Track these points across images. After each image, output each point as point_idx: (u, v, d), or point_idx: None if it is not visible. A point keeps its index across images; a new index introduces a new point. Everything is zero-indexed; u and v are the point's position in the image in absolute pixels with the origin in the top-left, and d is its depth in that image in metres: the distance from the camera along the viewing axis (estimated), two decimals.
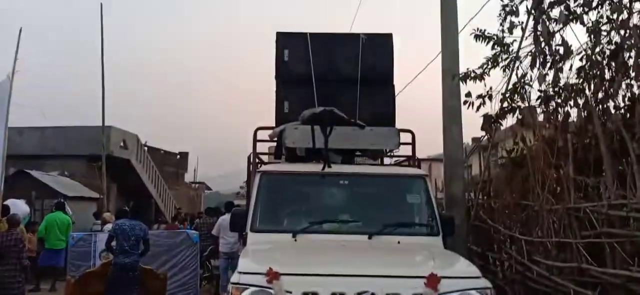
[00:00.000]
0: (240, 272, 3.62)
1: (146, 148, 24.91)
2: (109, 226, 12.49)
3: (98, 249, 9.02)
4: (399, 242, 4.65)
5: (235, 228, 5.08)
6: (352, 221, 4.91)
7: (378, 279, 3.54)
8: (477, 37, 6.21)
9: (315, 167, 5.23)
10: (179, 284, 9.28)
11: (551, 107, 5.62)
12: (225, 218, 10.90)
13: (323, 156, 5.25)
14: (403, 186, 5.23)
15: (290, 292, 3.47)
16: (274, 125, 6.26)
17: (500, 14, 6.05)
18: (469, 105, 6.01)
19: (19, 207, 9.42)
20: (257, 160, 6.39)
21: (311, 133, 5.28)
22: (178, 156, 31.38)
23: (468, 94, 6.02)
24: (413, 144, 6.06)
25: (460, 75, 6.29)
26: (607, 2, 5.07)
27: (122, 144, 21.80)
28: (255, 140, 6.69)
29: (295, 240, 4.64)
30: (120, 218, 9.04)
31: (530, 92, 5.85)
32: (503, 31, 6.06)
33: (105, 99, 15.03)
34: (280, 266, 3.57)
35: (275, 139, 5.80)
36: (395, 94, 6.19)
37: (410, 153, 6.16)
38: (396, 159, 6.37)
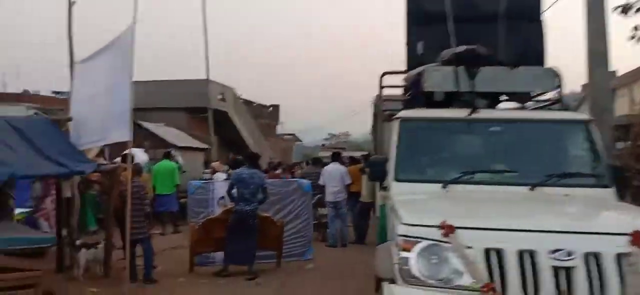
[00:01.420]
0: (407, 224, 3.33)
1: (242, 101, 25.41)
2: (219, 175, 12.90)
3: (216, 196, 9.22)
4: (566, 195, 4.15)
5: (374, 177, 4.81)
6: (507, 171, 4.45)
7: (573, 235, 3.11)
8: None
9: (459, 113, 4.79)
10: (293, 231, 9.35)
11: None
12: (329, 168, 11.22)
13: (468, 100, 4.79)
14: (565, 132, 4.68)
15: (470, 248, 3.13)
16: (406, 69, 5.85)
17: None
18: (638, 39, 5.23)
19: (139, 156, 9.81)
20: (384, 108, 6.06)
21: (454, 75, 4.82)
22: (270, 109, 31.87)
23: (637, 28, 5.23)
24: (560, 85, 5.41)
25: (622, 6, 5.49)
26: None
27: (220, 96, 22.32)
28: (381, 86, 6.34)
29: (447, 191, 4.28)
30: (237, 167, 9.14)
31: None
32: None
33: (207, 55, 15.11)
34: (453, 219, 3.24)
35: (411, 83, 5.40)
36: (545, 29, 5.51)
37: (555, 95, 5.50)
38: (539, 102, 5.74)
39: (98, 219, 11.80)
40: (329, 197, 10.94)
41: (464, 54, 4.82)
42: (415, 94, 5.21)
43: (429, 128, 4.80)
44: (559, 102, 5.28)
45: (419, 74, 5.05)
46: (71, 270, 7.91)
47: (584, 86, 6.49)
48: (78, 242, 7.74)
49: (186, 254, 9.04)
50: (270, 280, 7.89)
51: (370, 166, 4.74)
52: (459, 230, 3.17)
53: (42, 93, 27.36)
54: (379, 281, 6.74)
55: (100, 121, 7.59)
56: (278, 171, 15.36)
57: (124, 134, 7.15)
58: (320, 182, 11.10)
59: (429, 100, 5.19)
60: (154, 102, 22.01)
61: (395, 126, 4.83)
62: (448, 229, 3.15)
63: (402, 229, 3.32)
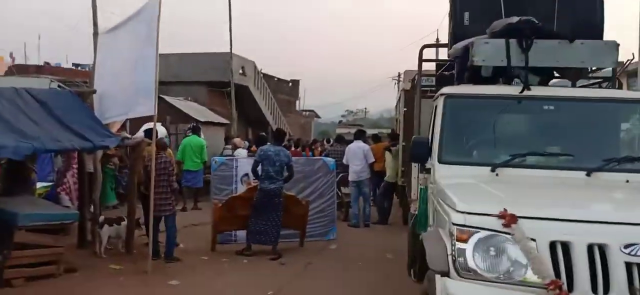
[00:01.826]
0: (462, 212, 3.03)
1: (262, 75, 25.12)
2: (240, 151, 12.72)
3: (239, 173, 9.01)
4: (627, 181, 3.81)
5: (416, 158, 4.50)
6: (563, 154, 4.11)
7: None
8: None
9: (510, 90, 4.44)
10: (317, 210, 9.11)
11: None
12: (353, 146, 10.95)
13: (521, 76, 4.43)
14: (625, 112, 4.30)
15: (533, 240, 2.83)
16: (448, 42, 5.49)
17: None
18: None
19: (159, 130, 9.56)
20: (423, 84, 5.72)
21: (506, 48, 4.45)
22: (290, 84, 31.56)
23: None
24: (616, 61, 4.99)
25: None
26: None
27: (241, 70, 22.05)
28: (420, 60, 5.99)
29: (496, 175, 3.96)
30: (262, 144, 8.90)
31: None
32: None
33: (231, 27, 14.78)
34: (514, 207, 2.94)
35: (456, 57, 5.03)
36: (603, 2, 5.07)
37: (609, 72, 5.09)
38: (590, 79, 5.33)
39: (118, 194, 11.74)
40: (351, 176, 10.70)
41: (518, 25, 4.43)
42: (462, 68, 4.85)
43: (476, 106, 4.46)
44: (612, 80, 4.88)
45: (466, 47, 4.69)
46: (93, 246, 7.80)
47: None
48: (101, 218, 7.59)
49: (208, 231, 8.88)
50: (294, 261, 7.68)
51: (413, 147, 4.42)
52: (521, 220, 2.86)
53: (63, 65, 27.36)
54: (410, 265, 6.52)
55: (124, 94, 7.40)
56: (298, 149, 15.11)
57: (148, 108, 6.95)
58: (344, 160, 10.86)
59: (476, 76, 4.83)
60: (175, 76, 21.85)
61: (439, 103, 4.49)
62: (510, 219, 2.85)
63: (457, 217, 3.03)
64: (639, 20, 6.07)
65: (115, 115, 7.81)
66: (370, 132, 15.50)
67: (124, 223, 7.72)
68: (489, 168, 4.03)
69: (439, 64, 7.84)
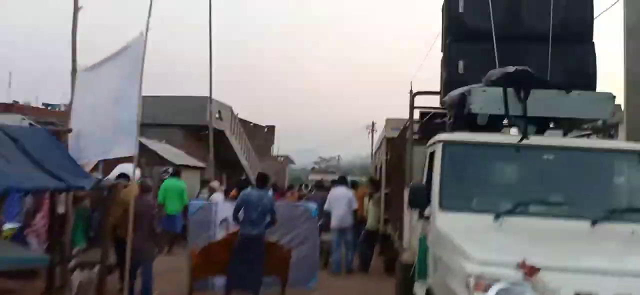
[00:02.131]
0: (480, 263, 2.88)
1: (238, 120, 24.98)
2: (217, 195, 12.37)
3: (218, 218, 8.72)
4: (633, 232, 3.75)
5: (414, 204, 4.37)
6: (564, 204, 4.05)
7: None
8: None
9: (509, 138, 4.40)
10: (298, 257, 8.78)
11: None
12: (336, 192, 10.70)
13: (519, 125, 4.41)
14: (623, 162, 4.30)
15: (554, 293, 2.70)
16: (441, 90, 5.47)
17: None
18: None
19: (130, 171, 9.20)
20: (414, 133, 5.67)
21: (503, 97, 4.44)
22: (266, 130, 31.44)
23: None
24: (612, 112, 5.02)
25: None
26: None
27: (217, 115, 21.86)
28: (412, 107, 5.95)
29: (500, 223, 3.86)
30: (243, 188, 8.67)
31: None
32: None
33: (211, 70, 14.65)
34: (533, 257, 2.81)
35: (452, 104, 5.00)
36: (596, 53, 5.16)
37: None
38: (582, 131, 5.37)
39: (88, 237, 11.21)
40: (335, 223, 10.45)
41: (515, 74, 4.43)
42: (458, 116, 4.80)
43: (475, 153, 4.39)
44: (604, 131, 4.90)
45: (463, 95, 4.66)
46: (61, 291, 7.32)
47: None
48: (72, 263, 7.16)
49: (182, 277, 8.49)
50: None
51: (411, 193, 4.30)
52: (543, 271, 2.73)
53: (33, 104, 26.70)
54: None
55: (103, 133, 7.11)
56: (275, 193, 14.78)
57: (128, 147, 6.68)
58: (326, 206, 10.60)
59: (471, 124, 4.79)
60: (151, 118, 21.48)
61: (437, 150, 4.41)
62: (531, 270, 2.71)
63: (474, 268, 2.88)
64: (623, 71, 6.19)
65: (92, 155, 7.48)
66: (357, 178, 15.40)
67: (97, 268, 7.30)
68: (492, 216, 3.92)
69: (423, 112, 7.89)
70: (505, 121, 4.62)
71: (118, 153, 6.88)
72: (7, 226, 8.03)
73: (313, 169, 59.52)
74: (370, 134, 45.68)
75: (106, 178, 7.81)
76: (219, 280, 8.29)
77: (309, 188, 16.61)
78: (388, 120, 10.53)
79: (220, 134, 22.12)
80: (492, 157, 4.37)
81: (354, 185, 12.46)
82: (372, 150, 57.41)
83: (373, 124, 45.06)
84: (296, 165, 49.58)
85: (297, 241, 8.93)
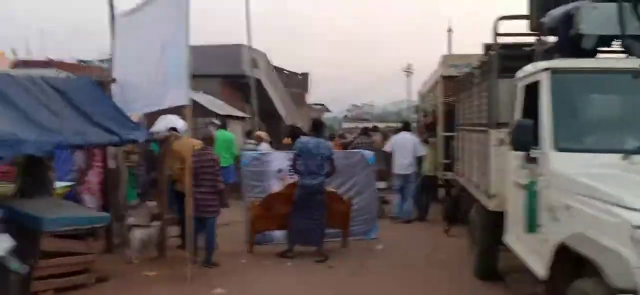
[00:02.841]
0: None
1: (273, 68, 24.40)
2: (264, 145, 12.00)
3: (273, 168, 8.34)
4: None
5: (520, 145, 3.81)
6: None
7: None
8: None
9: (629, 63, 3.76)
10: (356, 208, 8.35)
11: None
12: (400, 138, 10.26)
13: (634, 47, 3.76)
14: None
15: None
16: (531, 12, 4.80)
17: None
18: None
19: (177, 123, 8.84)
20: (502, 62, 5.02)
21: (619, 14, 3.76)
22: (300, 77, 30.79)
23: None
24: None
25: None
26: None
27: (253, 63, 21.30)
28: (496, 34, 5.29)
29: (629, 164, 3.28)
30: (296, 136, 8.24)
31: None
32: None
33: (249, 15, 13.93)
34: None
35: (555, 25, 4.34)
36: None
37: None
38: None
39: (138, 193, 11.07)
40: (398, 169, 10.04)
41: None
42: (563, 39, 4.15)
43: (590, 82, 3.77)
44: None
45: (568, 13, 4.00)
46: (120, 249, 7.15)
47: None
48: (130, 220, 6.94)
49: (240, 231, 8.26)
50: (342, 263, 7.00)
51: (515, 131, 3.73)
52: None
53: (66, 61, 26.62)
54: (482, 269, 5.85)
55: (151, 83, 6.70)
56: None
57: (181, 97, 6.27)
58: (387, 149, 10.27)
59: (574, 49, 4.15)
60: None
61: (544, 81, 3.80)
62: None
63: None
64: None
65: (142, 106, 7.10)
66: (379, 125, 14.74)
67: (156, 224, 7.07)
68: (617, 155, 3.34)
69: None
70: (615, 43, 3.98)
71: (171, 103, 6.48)
72: (59, 185, 7.84)
73: (345, 116, 58.83)
74: (408, 78, 44.59)
75: (156, 131, 7.45)
76: (278, 234, 7.99)
77: (354, 136, 16.08)
78: (445, 57, 9.82)
79: (256, 83, 21.64)
80: (609, 86, 3.74)
81: (406, 128, 11.87)
82: (414, 93, 55.85)
83: (409, 66, 43.90)
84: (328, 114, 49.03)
85: (354, 191, 8.50)
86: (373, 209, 8.72)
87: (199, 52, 21.12)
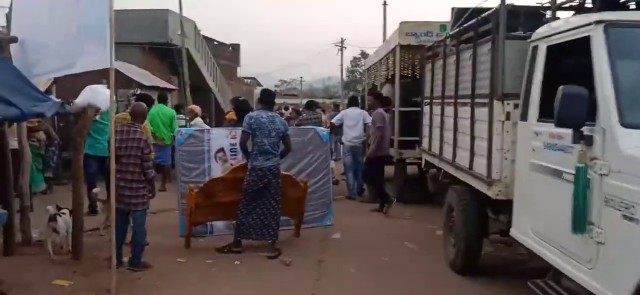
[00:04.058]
0: None
1: (202, 37, 22.66)
2: (198, 120, 10.68)
3: (212, 148, 7.14)
4: None
5: (570, 120, 2.94)
6: None
7: None
8: None
9: None
10: (310, 191, 7.32)
11: None
12: (350, 112, 9.90)
13: None
14: None
15: None
16: None
17: None
18: None
19: (101, 93, 7.32)
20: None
21: None
22: (231, 48, 29.08)
23: None
24: None
25: None
26: None
27: (179, 31, 19.57)
28: None
29: None
30: (244, 111, 7.08)
31: None
32: None
33: None
34: None
35: None
36: None
37: None
38: None
39: (46, 178, 9.44)
40: (349, 141, 9.77)
41: None
42: None
43: None
44: None
45: None
46: (23, 248, 5.76)
47: None
48: (49, 208, 5.58)
49: (172, 219, 7.10)
50: (300, 258, 6.01)
51: (562, 103, 2.86)
52: None
53: None
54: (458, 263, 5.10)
55: (61, 39, 5.25)
56: None
57: (100, 58, 4.90)
58: (335, 121, 10.14)
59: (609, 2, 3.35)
60: None
61: (597, 37, 2.95)
62: None
63: None
64: None
65: (49, 70, 5.63)
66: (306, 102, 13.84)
67: (67, 215, 5.71)
68: None
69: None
70: None
71: (87, 65, 5.08)
72: None
73: (275, 92, 57.34)
74: (340, 52, 43.91)
75: (72, 102, 5.98)
76: (219, 224, 6.90)
77: (298, 111, 15.01)
78: (402, 25, 8.93)
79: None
80: None
81: (353, 102, 11.11)
82: (352, 66, 54.41)
83: (342, 40, 43.19)
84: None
85: (307, 172, 7.49)
86: (328, 193, 7.77)
87: (118, 18, 19.14)
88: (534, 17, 4.69)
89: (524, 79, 3.97)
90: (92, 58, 4.98)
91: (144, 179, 5.31)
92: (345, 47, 43.39)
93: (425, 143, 7.11)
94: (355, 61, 56.28)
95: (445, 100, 5.85)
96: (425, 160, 7.12)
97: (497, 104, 4.18)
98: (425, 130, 7.05)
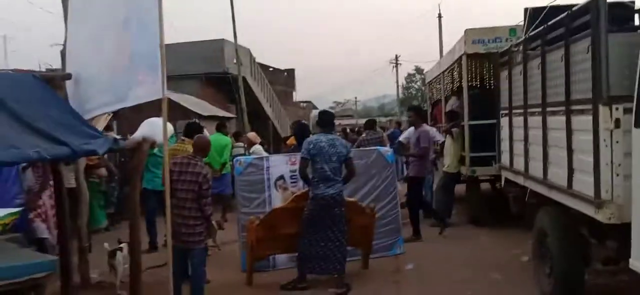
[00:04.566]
0: None
1: (258, 65, 22.73)
2: (257, 147, 10.38)
3: (272, 176, 6.73)
4: None
5: None
6: None
7: None
8: None
9: None
10: (377, 217, 6.72)
11: None
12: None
13: None
14: None
15: None
16: None
17: None
18: None
19: (158, 126, 7.07)
20: None
21: None
22: (286, 74, 29.11)
23: None
24: None
25: None
26: None
27: (235, 59, 19.65)
28: None
29: None
30: (304, 135, 6.67)
31: None
32: None
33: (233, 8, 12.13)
34: None
35: None
36: None
37: None
38: None
39: (108, 214, 9.36)
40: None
41: None
42: None
43: None
44: None
45: None
46: (82, 292, 5.53)
47: None
48: (106, 245, 5.38)
49: (233, 250, 6.81)
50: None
51: None
52: None
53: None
54: None
55: (112, 72, 5.02)
56: None
57: (153, 88, 4.59)
58: (403, 139, 9.23)
59: None
60: None
61: None
62: None
63: None
64: None
65: (101, 106, 5.40)
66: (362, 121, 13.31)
67: (125, 251, 5.46)
68: None
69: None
70: None
71: (139, 97, 4.77)
72: (3, 213, 6.10)
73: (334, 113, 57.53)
74: (395, 69, 43.31)
75: (130, 137, 5.76)
76: (283, 257, 6.44)
77: (357, 131, 14.53)
78: (468, 32, 8.29)
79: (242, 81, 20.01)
80: None
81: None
82: (418, 80, 53.71)
83: (397, 57, 42.61)
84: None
85: (373, 197, 6.92)
86: (397, 218, 7.15)
87: (175, 51, 19.51)
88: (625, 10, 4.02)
89: (637, 78, 3.30)
90: (144, 89, 4.68)
91: (201, 215, 4.94)
92: (400, 64, 42.65)
93: (504, 159, 6.40)
94: (409, 77, 55.57)
95: (529, 110, 5.17)
96: (506, 179, 6.39)
97: (603, 110, 3.51)
98: (505, 145, 6.34)
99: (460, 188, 9.27)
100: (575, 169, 4.03)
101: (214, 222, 5.70)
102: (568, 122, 4.06)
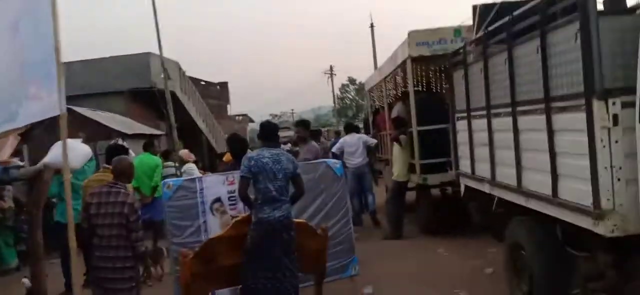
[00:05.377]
0: None
1: (188, 78, 21.57)
2: (189, 166, 9.47)
3: (207, 199, 5.87)
4: None
5: None
6: None
7: None
8: None
9: None
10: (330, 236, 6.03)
11: None
12: (349, 139, 9.51)
13: None
14: None
15: None
16: None
17: None
18: None
19: (77, 149, 6.05)
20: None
21: None
22: (218, 87, 27.97)
23: None
24: None
25: None
26: None
27: (162, 74, 18.48)
28: None
29: None
30: (241, 151, 5.89)
31: None
32: None
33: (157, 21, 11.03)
34: None
35: None
36: None
37: None
38: None
39: (19, 252, 8.13)
40: (352, 166, 9.26)
41: None
42: None
43: None
44: None
45: None
46: None
47: None
48: (25, 281, 4.41)
49: (166, 286, 5.96)
50: None
51: None
52: None
53: None
54: None
55: (3, 88, 4.06)
56: None
57: (49, 105, 3.71)
58: (336, 150, 9.43)
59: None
60: (81, 87, 17.81)
61: None
62: None
63: None
64: None
65: None
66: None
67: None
68: None
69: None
70: None
71: (33, 115, 3.87)
72: None
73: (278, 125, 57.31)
74: (330, 79, 43.22)
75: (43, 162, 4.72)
76: (224, 292, 5.59)
77: (292, 141, 13.93)
78: (412, 34, 7.81)
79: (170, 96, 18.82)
80: None
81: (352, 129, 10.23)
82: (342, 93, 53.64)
83: (331, 67, 42.50)
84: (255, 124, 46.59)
85: (322, 215, 6.23)
86: (349, 237, 6.48)
87: (95, 67, 18.06)
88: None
89: (639, 67, 2.81)
90: (38, 105, 3.78)
91: (132, 255, 4.05)
92: (335, 74, 42.60)
93: (463, 165, 5.91)
94: (343, 88, 56.44)
95: (494, 111, 4.66)
96: (466, 186, 5.89)
97: (597, 105, 2.99)
98: (463, 150, 5.85)
99: (410, 195, 8.83)
100: (560, 175, 3.51)
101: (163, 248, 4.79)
102: (549, 122, 3.55)
